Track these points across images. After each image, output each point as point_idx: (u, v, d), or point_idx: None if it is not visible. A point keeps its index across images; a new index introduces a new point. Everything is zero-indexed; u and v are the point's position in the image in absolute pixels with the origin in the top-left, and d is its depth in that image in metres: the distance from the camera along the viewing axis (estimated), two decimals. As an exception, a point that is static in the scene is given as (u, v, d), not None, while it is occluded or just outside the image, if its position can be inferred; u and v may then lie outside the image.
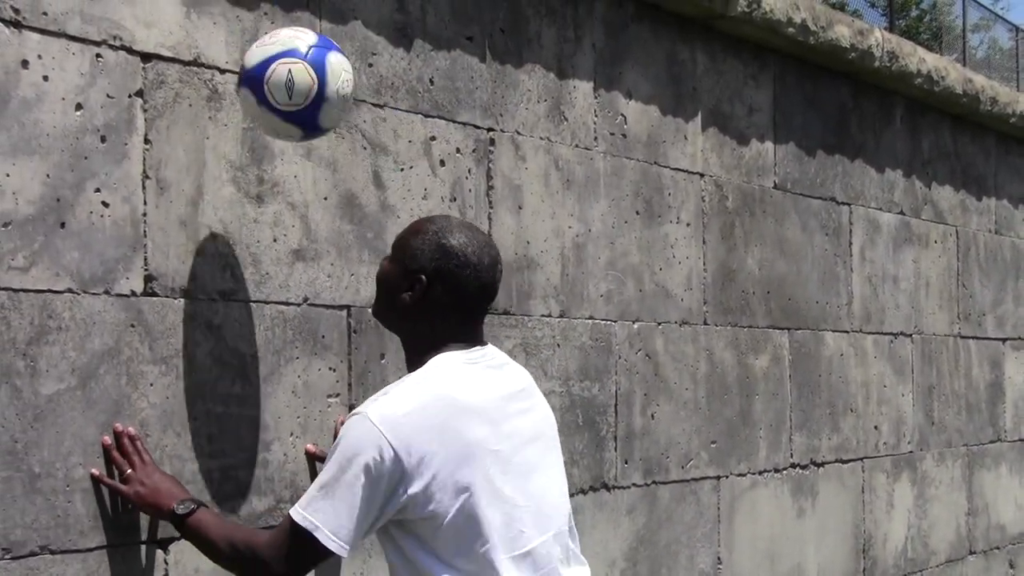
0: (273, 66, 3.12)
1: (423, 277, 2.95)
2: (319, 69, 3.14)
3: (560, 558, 3.02)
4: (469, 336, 3.01)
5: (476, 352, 2.99)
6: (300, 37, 3.18)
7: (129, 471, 3.13)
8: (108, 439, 3.14)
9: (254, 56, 3.17)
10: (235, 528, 3.07)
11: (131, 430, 3.18)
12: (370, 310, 3.23)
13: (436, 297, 2.95)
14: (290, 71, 3.11)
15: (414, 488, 2.79)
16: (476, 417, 2.89)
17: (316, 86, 3.13)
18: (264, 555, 2.88)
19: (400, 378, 2.99)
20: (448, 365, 2.93)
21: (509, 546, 2.89)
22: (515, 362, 3.15)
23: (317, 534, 2.80)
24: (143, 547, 3.22)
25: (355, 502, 2.78)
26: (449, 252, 2.95)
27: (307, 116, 3.17)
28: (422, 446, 2.79)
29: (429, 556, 2.85)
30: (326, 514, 2.80)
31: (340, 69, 3.18)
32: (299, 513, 2.83)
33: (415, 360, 3.00)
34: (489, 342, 3.07)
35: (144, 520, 3.22)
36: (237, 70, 3.49)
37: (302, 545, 2.83)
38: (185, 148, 3.37)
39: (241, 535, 2.98)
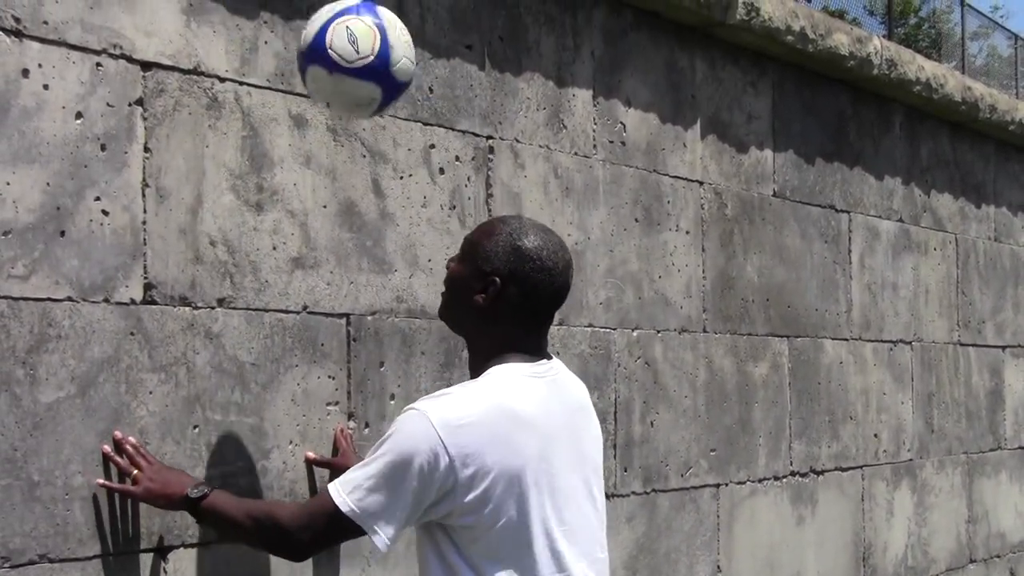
0: (330, 30, 3.06)
1: (497, 279, 2.89)
2: (375, 17, 3.08)
3: None
4: (534, 344, 2.96)
5: (541, 366, 2.94)
6: (344, 1, 3.13)
7: (136, 472, 3.13)
8: (108, 447, 3.14)
9: (309, 31, 3.10)
10: (253, 503, 3.07)
11: (132, 439, 3.18)
12: (437, 312, 3.17)
13: (509, 299, 2.90)
14: (347, 27, 3.05)
15: (464, 499, 2.76)
16: (533, 434, 2.84)
17: (378, 33, 3.06)
18: (289, 527, 2.86)
19: (459, 381, 2.98)
20: (511, 376, 2.88)
21: (547, 567, 2.86)
22: (573, 376, 3.11)
23: (362, 523, 2.77)
24: (143, 556, 3.22)
25: (403, 500, 2.76)
26: (524, 255, 2.90)
27: (380, 67, 3.08)
28: (477, 458, 2.75)
29: (466, 563, 2.81)
30: (374, 507, 2.76)
31: (393, 17, 3.13)
32: (342, 497, 2.78)
33: (479, 364, 2.94)
34: (554, 356, 3.03)
35: (144, 529, 3.22)
36: (237, 78, 3.50)
37: (339, 528, 2.80)
38: (185, 156, 3.37)
39: (261, 508, 2.99)
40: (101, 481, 3.13)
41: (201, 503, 3.03)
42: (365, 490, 2.78)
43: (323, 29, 3.07)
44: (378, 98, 3.15)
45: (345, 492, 2.79)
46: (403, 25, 3.16)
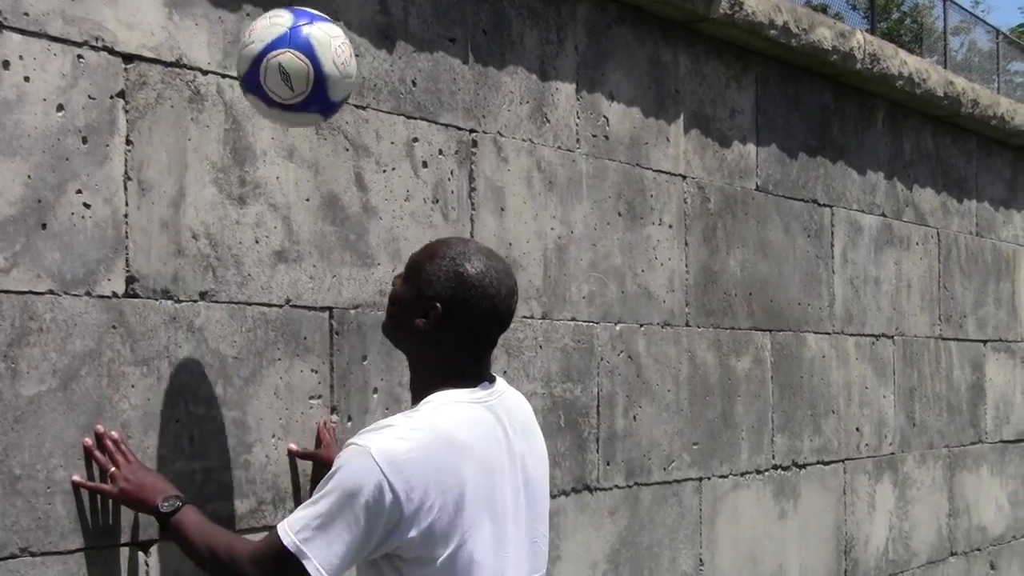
0: (263, 65, 3.04)
1: (438, 305, 2.84)
2: (305, 49, 3.04)
3: None
4: (477, 369, 2.92)
5: (483, 391, 2.89)
6: (277, 23, 3.07)
7: (113, 469, 3.11)
8: (89, 440, 3.14)
9: (243, 61, 3.09)
10: (216, 533, 2.99)
11: (114, 434, 3.17)
12: (380, 328, 3.13)
13: (450, 326, 2.84)
14: (280, 64, 3.03)
15: (410, 532, 2.72)
16: (476, 462, 2.81)
17: (311, 68, 3.04)
18: (243, 566, 2.82)
19: (393, 411, 2.96)
20: (452, 404, 2.84)
21: None
22: (516, 392, 3.07)
23: (307, 564, 2.71)
24: (124, 549, 3.22)
25: (349, 538, 2.71)
26: (467, 281, 2.84)
27: (317, 99, 3.08)
28: (422, 490, 2.71)
29: None
30: (319, 547, 2.71)
31: (327, 39, 3.08)
32: (289, 538, 2.73)
33: (420, 388, 2.91)
34: (496, 375, 2.99)
35: (125, 522, 3.21)
36: (219, 71, 3.49)
37: (285, 566, 2.74)
38: (167, 149, 3.36)
39: (221, 542, 2.92)
40: (76, 479, 3.11)
41: (170, 519, 3.00)
42: (312, 529, 2.73)
43: (256, 64, 3.05)
44: (320, 119, 3.22)
45: (292, 531, 2.74)
46: (337, 33, 3.12)
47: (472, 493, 2.78)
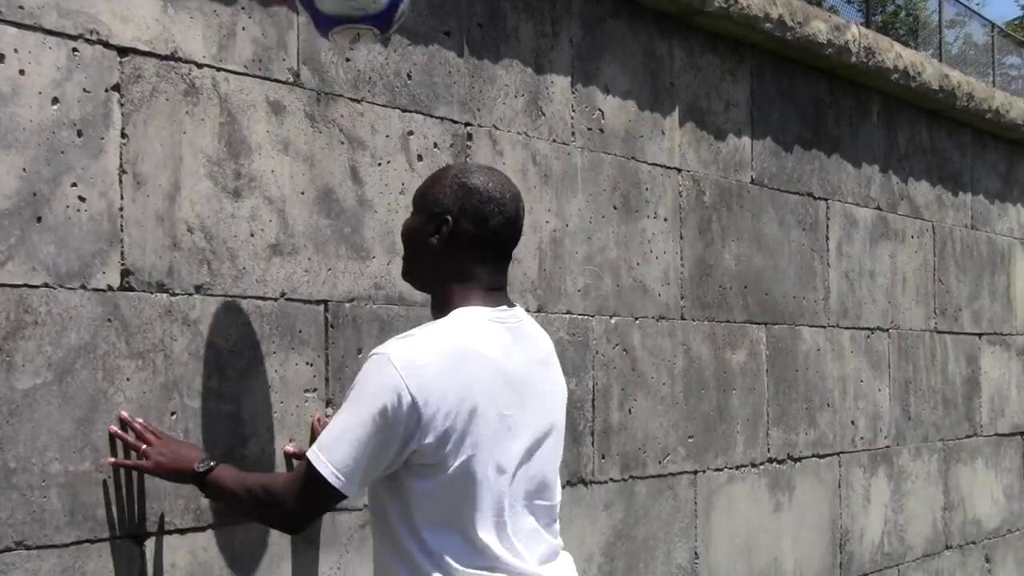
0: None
1: (449, 217, 2.97)
2: None
3: (547, 535, 3.04)
4: (495, 286, 3.01)
5: (503, 311, 2.99)
6: None
7: (145, 447, 3.17)
8: (115, 427, 3.19)
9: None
10: (251, 475, 3.10)
11: (140, 420, 3.23)
12: (400, 274, 3.23)
13: (463, 233, 2.97)
14: None
15: (427, 437, 2.80)
16: (495, 375, 2.89)
17: None
18: (279, 495, 2.91)
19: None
20: (473, 318, 2.93)
21: (498, 511, 2.90)
22: (538, 326, 3.14)
23: (324, 472, 2.81)
24: (119, 542, 3.22)
25: (368, 443, 2.80)
26: (471, 190, 2.98)
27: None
28: (440, 397, 2.80)
29: (419, 508, 2.85)
30: (337, 454, 2.81)
31: None
32: (314, 453, 2.84)
33: (441, 309, 2.99)
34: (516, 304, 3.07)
35: (121, 515, 3.21)
36: (214, 64, 3.49)
37: (314, 485, 2.84)
38: (162, 142, 3.36)
39: (257, 480, 3.02)
40: (112, 460, 3.17)
41: (207, 477, 3.07)
42: (331, 440, 2.83)
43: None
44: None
45: (317, 447, 2.85)
46: None
47: (487, 405, 2.86)
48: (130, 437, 3.20)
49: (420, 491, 2.85)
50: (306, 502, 2.88)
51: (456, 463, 2.83)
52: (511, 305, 3.03)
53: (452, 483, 2.84)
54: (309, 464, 2.85)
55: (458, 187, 2.98)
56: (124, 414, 3.21)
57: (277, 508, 2.92)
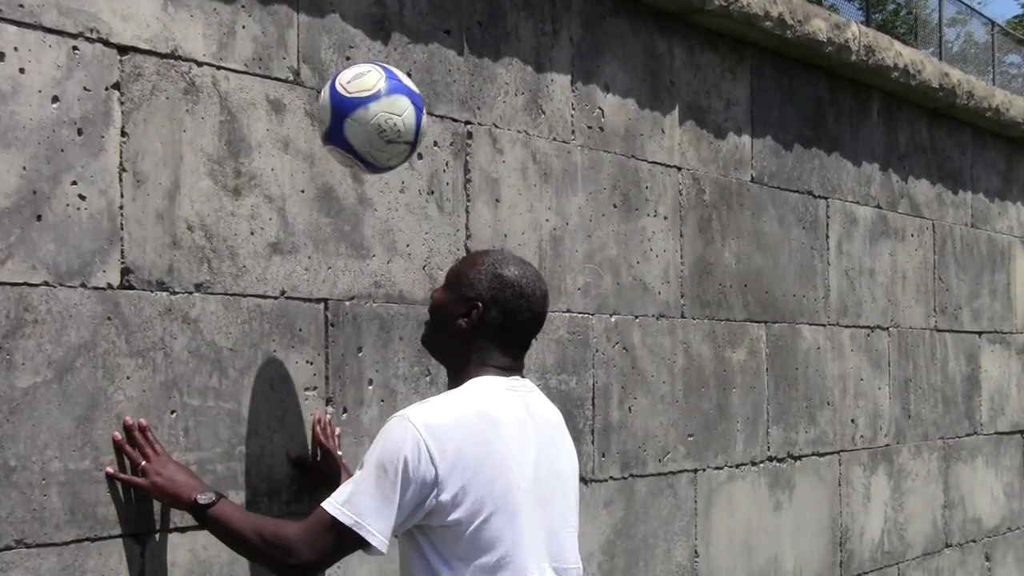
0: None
1: (480, 304, 3.09)
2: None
3: None
4: (511, 367, 3.13)
5: (516, 381, 3.12)
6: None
7: (143, 463, 3.19)
8: (119, 435, 3.19)
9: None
10: (260, 518, 3.14)
11: (142, 421, 3.24)
12: (420, 339, 3.36)
13: (490, 322, 3.09)
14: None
15: (444, 495, 2.89)
16: (512, 439, 3.00)
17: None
18: (293, 543, 2.95)
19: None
20: (489, 386, 3.06)
21: (525, 565, 2.98)
22: (547, 400, 3.25)
23: (360, 530, 2.88)
24: (119, 541, 3.22)
25: (394, 500, 2.88)
26: (506, 282, 3.10)
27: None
28: (457, 456, 2.90)
29: (444, 563, 2.93)
30: (368, 510, 2.88)
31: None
32: (338, 508, 2.90)
33: (457, 379, 3.12)
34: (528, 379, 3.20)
35: (120, 514, 3.21)
36: (214, 63, 3.49)
37: (339, 539, 2.91)
38: (162, 141, 3.36)
39: (268, 525, 3.06)
40: (110, 470, 3.19)
41: (209, 510, 3.10)
42: (358, 497, 2.90)
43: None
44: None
45: (339, 503, 2.92)
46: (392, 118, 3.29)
47: (503, 468, 2.96)
48: (133, 452, 3.21)
49: (444, 549, 2.94)
50: (321, 551, 2.94)
51: (474, 523, 2.92)
52: (523, 377, 3.17)
53: (472, 543, 2.93)
54: (327, 514, 2.91)
55: (493, 277, 3.11)
56: (128, 420, 3.22)
57: (290, 556, 2.96)
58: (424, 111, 3.35)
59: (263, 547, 3.00)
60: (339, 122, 3.25)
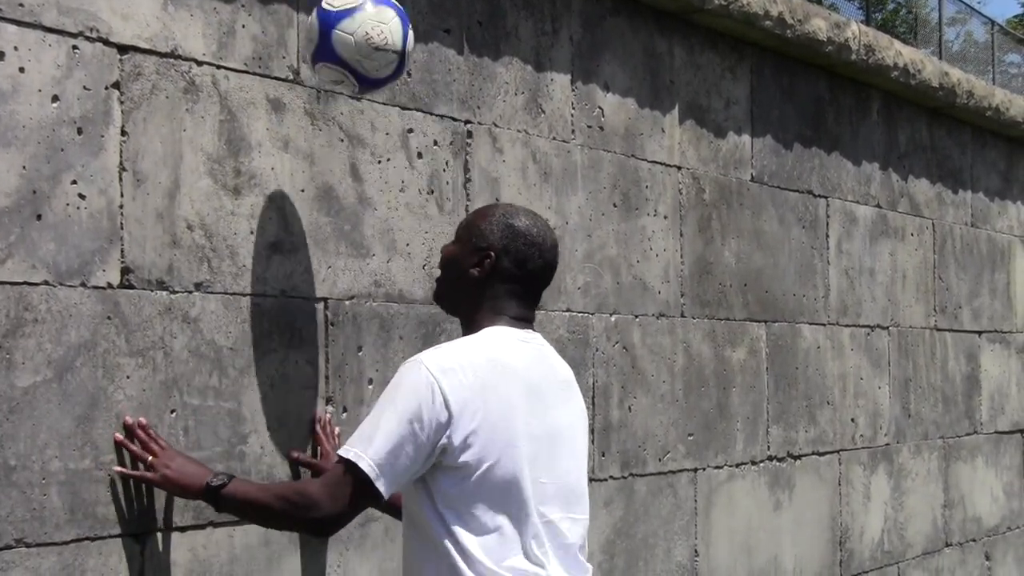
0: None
1: (492, 253, 3.13)
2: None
3: (579, 543, 3.14)
4: (523, 318, 3.17)
5: (529, 334, 3.15)
6: None
7: (151, 458, 3.20)
8: (120, 436, 3.20)
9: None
10: (276, 484, 3.19)
11: (142, 420, 3.24)
12: (432, 294, 3.41)
13: (502, 271, 3.13)
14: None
15: (456, 437, 2.92)
16: (523, 386, 3.03)
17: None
18: (315, 497, 2.96)
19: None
20: (502, 335, 3.09)
21: (532, 511, 3.00)
22: (558, 355, 3.27)
23: (361, 464, 2.89)
24: (119, 540, 3.22)
25: (402, 441, 2.90)
26: (517, 231, 3.15)
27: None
28: (469, 398, 2.93)
29: (449, 508, 2.95)
30: (372, 448, 2.90)
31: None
32: (347, 448, 2.93)
33: (470, 329, 3.15)
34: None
35: (120, 513, 3.21)
36: (214, 62, 3.49)
37: (349, 480, 2.92)
38: (162, 140, 3.36)
39: (287, 487, 3.12)
40: (119, 468, 3.19)
41: (222, 491, 3.10)
42: (366, 436, 2.93)
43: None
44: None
45: (350, 443, 2.94)
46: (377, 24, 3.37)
47: (513, 414, 2.99)
48: (136, 447, 3.21)
49: (453, 493, 2.95)
50: (343, 501, 2.95)
51: (483, 468, 2.94)
52: (534, 331, 3.19)
53: (481, 486, 2.94)
54: (345, 461, 2.93)
55: (505, 227, 3.15)
56: (128, 419, 3.22)
57: (313, 510, 2.96)
58: (410, 26, 3.42)
59: (287, 508, 3.00)
60: (327, 34, 3.31)
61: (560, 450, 3.10)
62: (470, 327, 3.15)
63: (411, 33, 3.42)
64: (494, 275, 3.13)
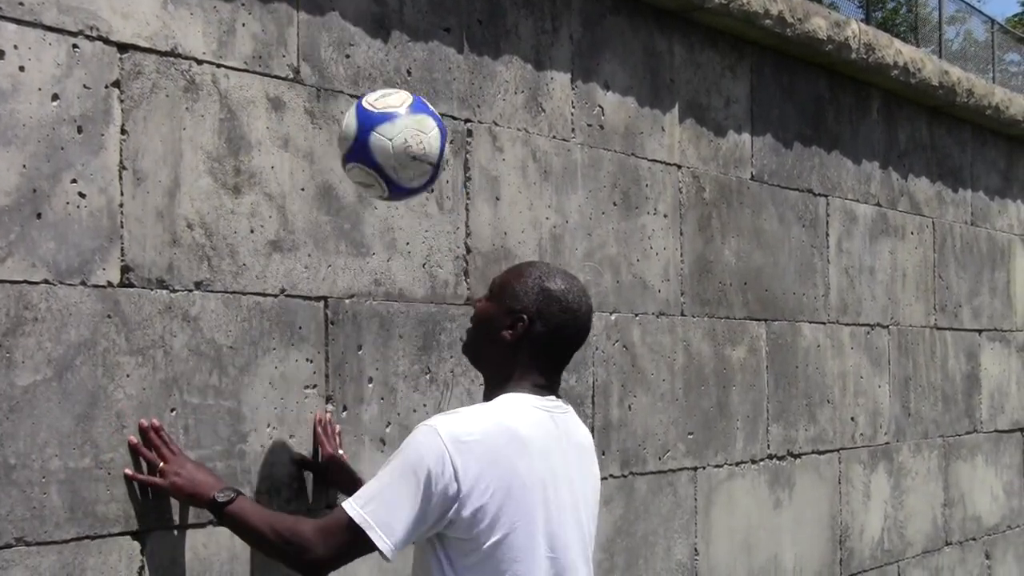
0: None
1: (525, 317, 3.08)
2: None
3: None
4: (548, 384, 3.13)
5: (549, 401, 3.10)
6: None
7: (162, 464, 3.22)
8: (134, 438, 3.22)
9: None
10: (277, 515, 3.15)
11: (155, 422, 3.26)
12: (460, 348, 3.39)
13: (534, 336, 3.09)
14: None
15: (464, 511, 2.90)
16: (535, 458, 2.99)
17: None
18: (310, 542, 2.96)
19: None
20: (519, 403, 3.05)
21: None
22: (579, 420, 3.24)
23: (370, 533, 2.88)
24: (119, 539, 3.22)
25: (411, 508, 2.88)
26: (552, 296, 3.10)
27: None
28: (481, 474, 2.90)
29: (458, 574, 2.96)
30: (381, 515, 2.89)
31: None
32: (355, 509, 2.91)
33: (492, 392, 3.12)
34: (562, 397, 3.19)
35: (120, 512, 3.21)
36: (214, 61, 3.49)
37: (352, 539, 2.92)
38: (162, 139, 3.36)
39: (285, 522, 3.07)
40: (129, 472, 3.21)
41: (227, 507, 3.12)
42: (376, 499, 2.91)
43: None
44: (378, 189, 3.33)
45: (358, 503, 2.93)
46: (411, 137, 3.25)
47: (525, 486, 2.96)
48: (150, 453, 3.23)
49: (464, 562, 2.95)
50: (337, 551, 2.95)
51: (491, 541, 2.93)
52: (559, 397, 3.15)
53: (492, 555, 2.93)
54: (345, 514, 2.92)
55: (540, 290, 3.10)
56: (143, 422, 3.24)
57: (305, 552, 2.97)
58: (448, 140, 3.32)
59: (279, 542, 3.01)
60: (365, 135, 3.19)
61: (571, 523, 3.08)
62: (494, 387, 3.12)
63: (448, 146, 3.33)
64: (526, 339, 3.09)
